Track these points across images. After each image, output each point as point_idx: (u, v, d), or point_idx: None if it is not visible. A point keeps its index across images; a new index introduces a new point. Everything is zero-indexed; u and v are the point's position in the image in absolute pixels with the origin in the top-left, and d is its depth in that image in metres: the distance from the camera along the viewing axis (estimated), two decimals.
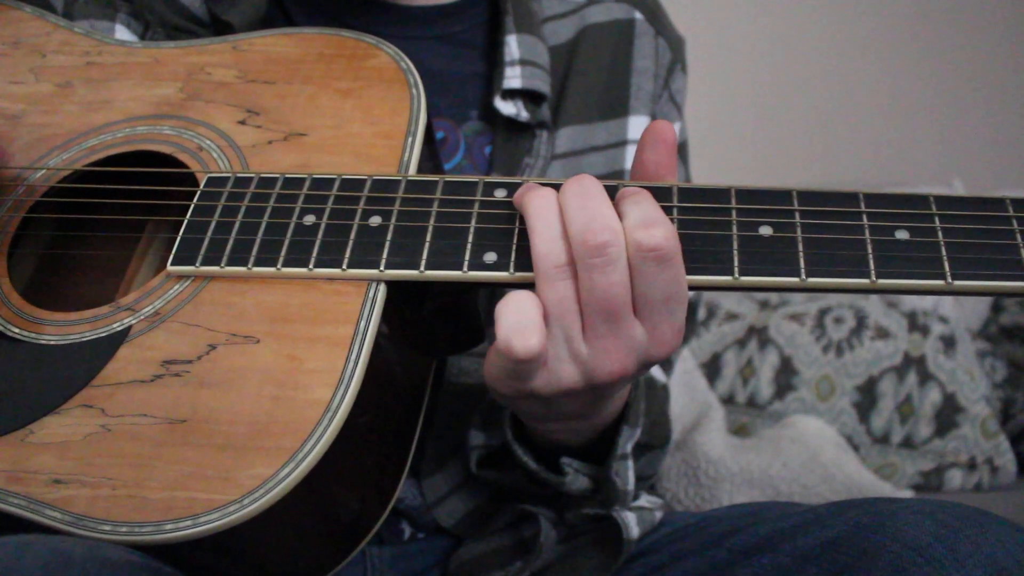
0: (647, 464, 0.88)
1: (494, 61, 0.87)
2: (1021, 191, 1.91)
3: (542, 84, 0.86)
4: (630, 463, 0.78)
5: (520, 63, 0.86)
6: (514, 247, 0.63)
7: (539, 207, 0.61)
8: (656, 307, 0.60)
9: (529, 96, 0.86)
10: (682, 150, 0.98)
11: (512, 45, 0.86)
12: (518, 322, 0.58)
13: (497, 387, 0.64)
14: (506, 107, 0.85)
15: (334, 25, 0.81)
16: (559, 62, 0.89)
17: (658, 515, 0.86)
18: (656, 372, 0.94)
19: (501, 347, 0.58)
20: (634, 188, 0.62)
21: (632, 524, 0.81)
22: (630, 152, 0.91)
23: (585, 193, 0.60)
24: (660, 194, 0.63)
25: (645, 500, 0.88)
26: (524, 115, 0.85)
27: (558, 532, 0.82)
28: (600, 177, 0.64)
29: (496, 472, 0.80)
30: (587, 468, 0.77)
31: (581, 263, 0.59)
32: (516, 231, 0.64)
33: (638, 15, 0.94)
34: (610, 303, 0.59)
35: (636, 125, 0.91)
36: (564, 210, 0.60)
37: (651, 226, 0.58)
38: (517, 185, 0.66)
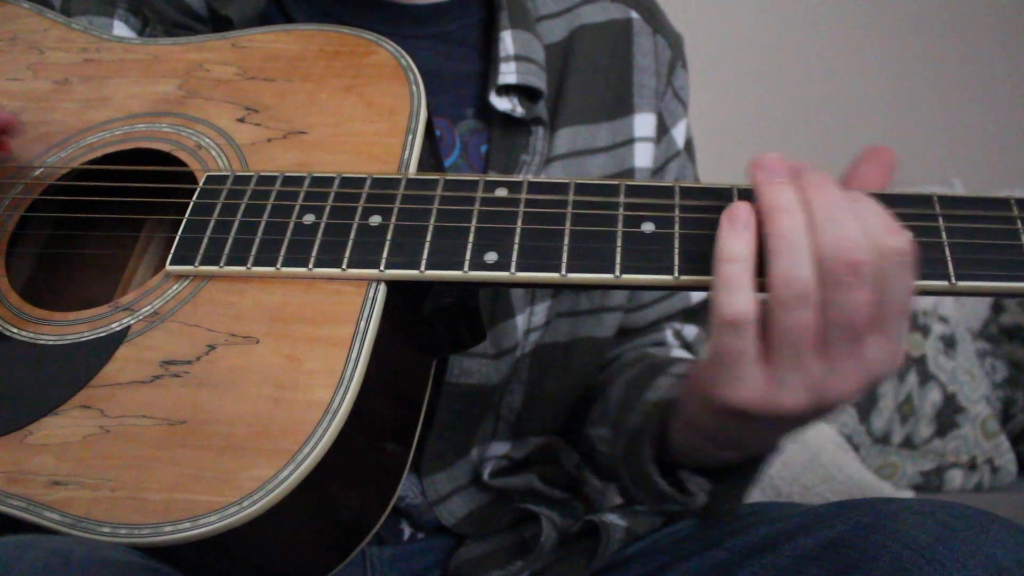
0: None
1: (489, 59, 0.87)
2: (1022, 191, 1.91)
3: (537, 80, 0.85)
4: None
5: (515, 59, 0.85)
6: (515, 247, 0.63)
7: (787, 227, 0.56)
8: (891, 319, 0.57)
9: (525, 92, 0.85)
10: (688, 147, 0.98)
11: (507, 40, 0.86)
12: (729, 278, 0.57)
13: (706, 391, 0.61)
14: (501, 103, 0.84)
15: (330, 22, 0.81)
16: (554, 61, 0.89)
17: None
18: None
19: (712, 304, 0.57)
20: (856, 192, 0.59)
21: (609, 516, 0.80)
22: (638, 150, 0.90)
23: (832, 203, 0.57)
24: (661, 192, 0.63)
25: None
26: (520, 111, 0.85)
27: (559, 533, 0.82)
28: (610, 177, 0.62)
29: (508, 479, 0.79)
30: (709, 487, 0.75)
31: (829, 281, 0.56)
32: (518, 230, 0.63)
33: (634, 14, 0.94)
34: (856, 322, 0.56)
35: (642, 122, 0.91)
36: (813, 219, 0.57)
37: (895, 230, 0.56)
38: (518, 184, 0.65)
